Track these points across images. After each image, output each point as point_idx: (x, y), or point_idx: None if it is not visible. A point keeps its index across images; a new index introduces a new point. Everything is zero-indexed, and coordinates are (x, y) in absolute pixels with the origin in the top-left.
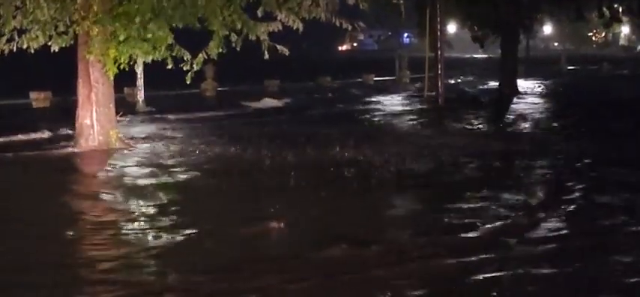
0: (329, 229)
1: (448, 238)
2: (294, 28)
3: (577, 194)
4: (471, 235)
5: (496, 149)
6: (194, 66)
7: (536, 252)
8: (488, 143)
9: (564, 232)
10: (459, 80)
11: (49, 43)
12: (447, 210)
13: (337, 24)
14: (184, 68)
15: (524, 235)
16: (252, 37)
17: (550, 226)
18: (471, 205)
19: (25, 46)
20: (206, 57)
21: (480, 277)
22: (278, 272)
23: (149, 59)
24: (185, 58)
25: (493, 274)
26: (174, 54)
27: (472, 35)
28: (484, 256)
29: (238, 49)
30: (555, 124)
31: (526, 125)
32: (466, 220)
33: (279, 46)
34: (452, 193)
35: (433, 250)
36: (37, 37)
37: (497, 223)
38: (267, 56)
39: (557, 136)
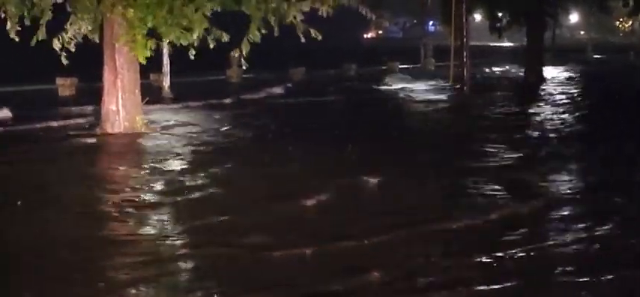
0: None
1: None
2: (324, 14)
3: None
4: None
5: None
6: (243, 51)
7: None
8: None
9: None
10: (486, 70)
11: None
12: None
13: (362, 13)
14: (234, 55)
15: None
16: (288, 21)
17: None
18: None
19: (69, 37)
20: (249, 41)
21: None
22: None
23: (186, 42)
24: (223, 40)
25: None
26: (211, 37)
27: (490, 25)
28: None
29: (276, 33)
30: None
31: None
32: None
33: (312, 30)
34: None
35: None
36: (80, 25)
37: None
38: (303, 40)
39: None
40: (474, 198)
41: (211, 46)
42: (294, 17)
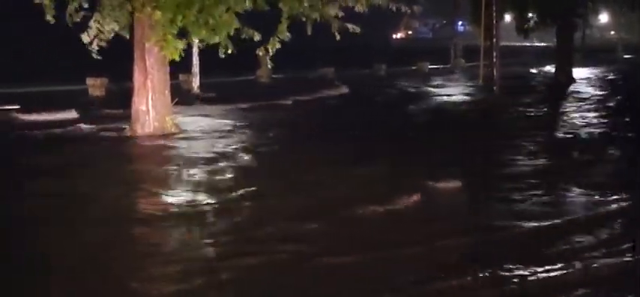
0: None
1: None
2: (362, 11)
3: None
4: None
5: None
6: (269, 51)
7: None
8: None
9: None
10: (516, 70)
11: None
12: None
13: (394, 9)
14: (260, 54)
15: None
16: (321, 19)
17: None
18: None
19: (93, 35)
20: (278, 40)
21: None
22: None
23: (213, 41)
24: (255, 39)
25: None
26: (243, 36)
27: (517, 26)
28: None
29: (309, 32)
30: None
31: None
32: None
33: (350, 26)
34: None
35: None
36: (103, 23)
37: None
38: (338, 37)
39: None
40: (530, 203)
41: (230, 51)
42: (337, 16)
